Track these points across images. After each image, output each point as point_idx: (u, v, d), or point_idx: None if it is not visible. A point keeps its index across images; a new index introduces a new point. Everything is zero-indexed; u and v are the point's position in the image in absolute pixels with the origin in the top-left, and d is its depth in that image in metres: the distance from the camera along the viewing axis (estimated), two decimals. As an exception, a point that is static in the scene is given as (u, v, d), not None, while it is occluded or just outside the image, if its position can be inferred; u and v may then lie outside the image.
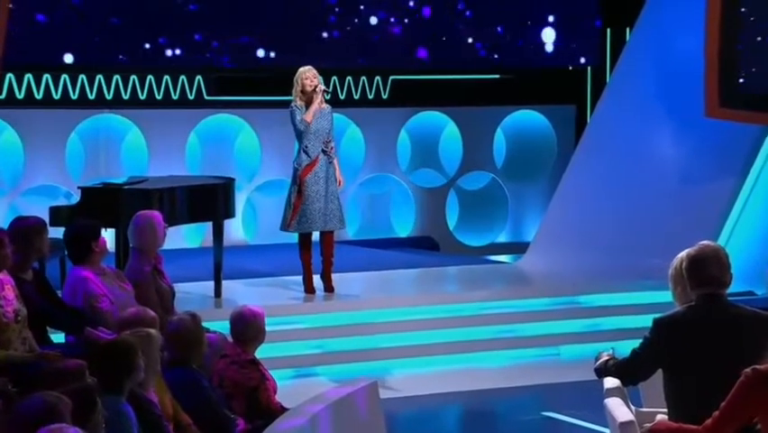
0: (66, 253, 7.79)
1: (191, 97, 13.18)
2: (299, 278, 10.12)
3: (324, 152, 9.84)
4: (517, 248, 13.51)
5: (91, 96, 12.75)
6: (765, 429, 4.91)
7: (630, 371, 5.57)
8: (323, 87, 9.79)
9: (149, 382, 5.70)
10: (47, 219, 7.87)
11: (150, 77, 12.96)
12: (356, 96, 13.83)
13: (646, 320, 5.65)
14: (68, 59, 12.57)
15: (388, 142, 13.90)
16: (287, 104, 10.04)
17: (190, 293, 9.71)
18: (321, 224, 9.85)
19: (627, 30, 13.56)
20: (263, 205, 13.31)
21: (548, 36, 14.39)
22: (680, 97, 11.83)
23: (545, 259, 11.83)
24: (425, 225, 14.15)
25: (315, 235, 10.03)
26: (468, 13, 14.08)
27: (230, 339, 6.87)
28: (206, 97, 13.25)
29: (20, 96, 12.53)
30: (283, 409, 6.47)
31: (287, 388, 7.62)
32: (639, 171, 11.94)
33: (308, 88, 9.78)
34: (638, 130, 12.06)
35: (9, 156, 12.52)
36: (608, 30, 14.49)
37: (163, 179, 10.32)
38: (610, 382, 5.72)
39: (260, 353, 6.87)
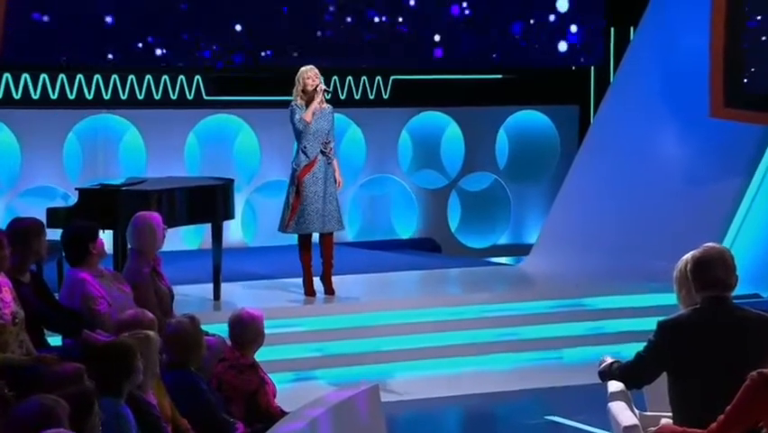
0: (63, 254, 7.79)
1: (190, 97, 13.18)
2: (299, 280, 10.12)
3: (322, 152, 9.84)
4: (520, 250, 13.51)
5: (89, 97, 12.75)
6: (771, 433, 4.92)
7: (634, 374, 5.56)
8: (323, 87, 9.79)
9: (147, 385, 5.70)
10: (44, 221, 7.86)
11: (148, 76, 12.96)
12: (357, 96, 13.83)
13: (651, 323, 5.65)
14: (65, 58, 12.57)
15: (389, 143, 13.89)
16: (287, 104, 10.04)
17: (189, 295, 9.70)
18: (319, 225, 9.85)
19: (632, 29, 13.56)
20: (263, 206, 13.30)
21: (551, 36, 14.39)
22: (684, 97, 11.82)
23: (548, 261, 11.82)
24: (426, 227, 14.15)
25: (315, 237, 10.03)
26: (469, 12, 14.07)
27: (229, 342, 6.87)
28: (205, 97, 13.25)
29: (17, 96, 12.53)
30: (283, 413, 6.46)
31: (286, 391, 7.61)
32: (643, 172, 11.93)
33: (309, 88, 9.79)
34: (642, 130, 12.06)
35: (6, 157, 12.52)
36: (612, 29, 14.49)
37: (162, 180, 10.32)
38: (614, 385, 5.72)
39: (260, 356, 6.87)
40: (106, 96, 12.82)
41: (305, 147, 9.82)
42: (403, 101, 13.97)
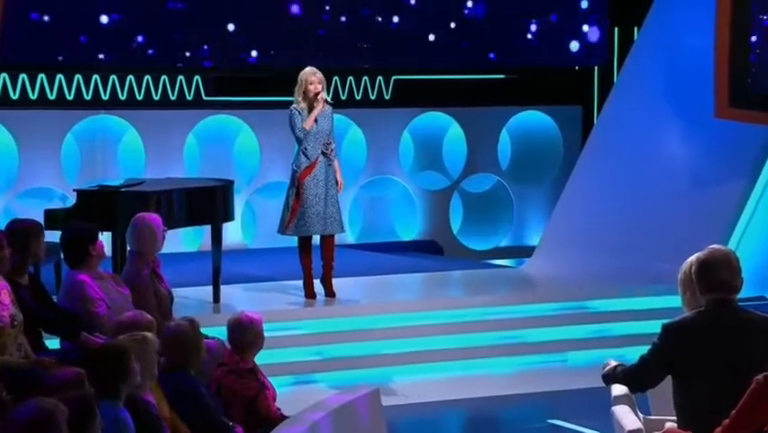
0: (61, 256, 7.79)
1: (189, 98, 13.18)
2: (299, 282, 10.12)
3: (323, 153, 9.85)
4: (523, 252, 13.51)
5: (87, 97, 12.75)
6: (777, 438, 4.92)
7: (638, 377, 5.56)
8: (324, 97, 9.78)
9: (145, 386, 5.70)
10: (42, 222, 7.86)
11: (147, 77, 12.97)
12: (358, 97, 13.83)
13: (655, 326, 5.65)
14: (63, 58, 12.58)
15: (391, 144, 13.89)
16: (287, 104, 10.04)
17: (188, 298, 9.71)
18: (320, 227, 9.85)
19: (635, 29, 13.56)
20: (263, 208, 13.30)
21: (554, 34, 14.39)
22: (688, 98, 11.82)
23: (552, 263, 11.82)
24: (428, 229, 14.15)
25: (316, 239, 10.03)
26: (471, 11, 14.07)
27: (228, 346, 6.87)
28: (205, 98, 13.25)
29: (14, 96, 12.54)
30: (283, 417, 6.47)
31: (286, 395, 7.62)
32: (647, 173, 11.93)
33: (311, 93, 9.79)
34: (646, 131, 12.06)
35: (3, 158, 12.52)
36: (616, 29, 14.49)
37: (161, 181, 10.33)
38: (618, 389, 5.72)
39: (260, 359, 6.87)
40: (105, 97, 12.82)
41: (305, 148, 9.82)
42: (404, 101, 13.98)
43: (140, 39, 12.82)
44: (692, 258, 5.56)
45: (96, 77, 12.75)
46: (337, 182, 9.91)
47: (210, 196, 9.78)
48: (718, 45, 11.33)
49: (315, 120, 9.78)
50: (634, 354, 5.68)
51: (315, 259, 10.02)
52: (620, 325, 10.43)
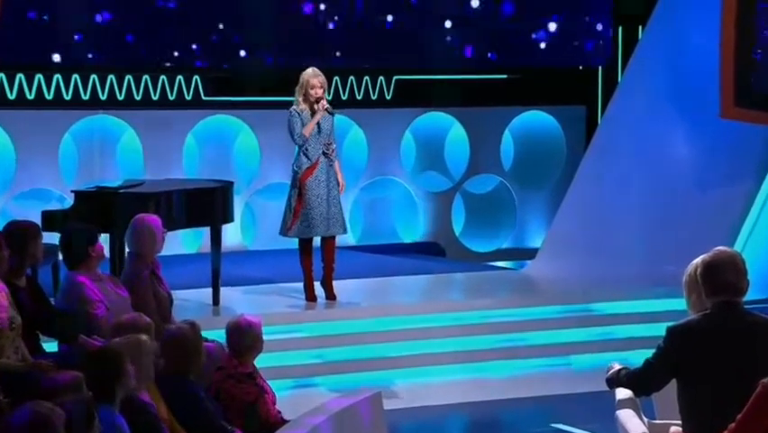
0: (59, 258, 7.79)
1: (188, 98, 13.18)
2: (300, 285, 10.12)
3: (324, 154, 9.84)
4: (526, 254, 13.51)
5: (85, 97, 12.75)
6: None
7: (643, 381, 5.56)
8: (325, 105, 9.78)
9: (140, 389, 5.69)
10: (39, 224, 7.87)
11: (145, 77, 12.97)
12: (359, 97, 13.83)
13: (660, 329, 5.64)
14: (60, 58, 12.58)
15: (392, 144, 13.89)
16: (287, 105, 10.04)
17: (187, 300, 9.71)
18: (323, 229, 9.85)
19: (640, 28, 13.55)
20: (263, 209, 13.30)
21: (557, 34, 14.39)
22: (694, 98, 11.82)
23: (555, 265, 11.82)
24: (430, 231, 14.15)
25: (316, 241, 10.03)
26: (474, 10, 14.08)
27: (227, 350, 6.87)
28: (204, 98, 13.25)
29: (11, 96, 12.54)
30: (283, 421, 6.47)
31: (286, 399, 7.61)
32: (652, 174, 11.93)
33: (311, 97, 9.79)
34: (651, 131, 12.05)
35: (0, 159, 12.52)
36: (620, 28, 14.48)
37: (159, 182, 10.33)
38: (622, 392, 5.71)
39: (259, 362, 6.87)
40: (103, 97, 12.82)
41: (306, 149, 9.82)
42: (406, 102, 13.97)
43: (139, 38, 12.82)
44: (697, 260, 5.56)
45: (93, 76, 12.75)
46: (338, 183, 9.90)
47: (209, 197, 9.78)
48: (724, 44, 11.33)
49: (318, 123, 9.78)
50: (638, 357, 5.68)
51: (315, 261, 10.02)
52: (624, 328, 10.42)
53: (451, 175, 14.30)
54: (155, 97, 13.04)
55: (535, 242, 13.84)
